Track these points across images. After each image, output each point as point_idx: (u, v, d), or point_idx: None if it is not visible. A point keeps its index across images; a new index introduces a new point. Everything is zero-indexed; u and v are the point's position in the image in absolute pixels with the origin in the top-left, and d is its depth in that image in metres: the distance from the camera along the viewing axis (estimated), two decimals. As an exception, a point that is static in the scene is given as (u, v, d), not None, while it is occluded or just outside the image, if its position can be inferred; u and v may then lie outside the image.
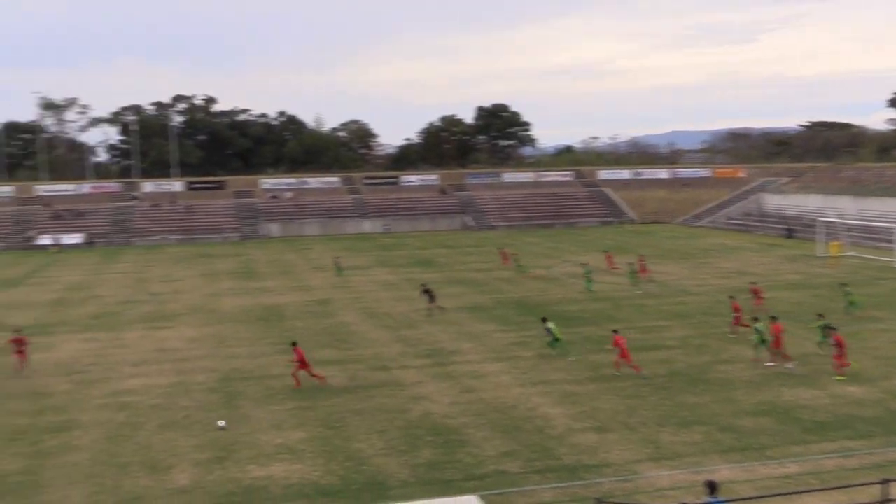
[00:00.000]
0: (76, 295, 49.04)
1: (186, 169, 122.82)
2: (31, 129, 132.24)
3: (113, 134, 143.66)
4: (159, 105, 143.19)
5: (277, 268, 60.30)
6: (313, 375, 27.12)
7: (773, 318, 29.67)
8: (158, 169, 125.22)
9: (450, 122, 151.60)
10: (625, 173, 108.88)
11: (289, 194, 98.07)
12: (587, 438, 21.76)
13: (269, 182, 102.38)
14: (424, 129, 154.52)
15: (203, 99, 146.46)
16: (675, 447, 20.95)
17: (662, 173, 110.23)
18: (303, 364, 26.94)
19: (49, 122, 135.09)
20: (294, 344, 27.97)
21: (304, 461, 20.70)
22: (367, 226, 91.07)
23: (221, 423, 23.46)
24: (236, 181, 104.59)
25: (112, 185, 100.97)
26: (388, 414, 24.30)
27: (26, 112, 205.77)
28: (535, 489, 18.60)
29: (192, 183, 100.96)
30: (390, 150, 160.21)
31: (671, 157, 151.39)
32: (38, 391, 27.85)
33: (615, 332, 29.19)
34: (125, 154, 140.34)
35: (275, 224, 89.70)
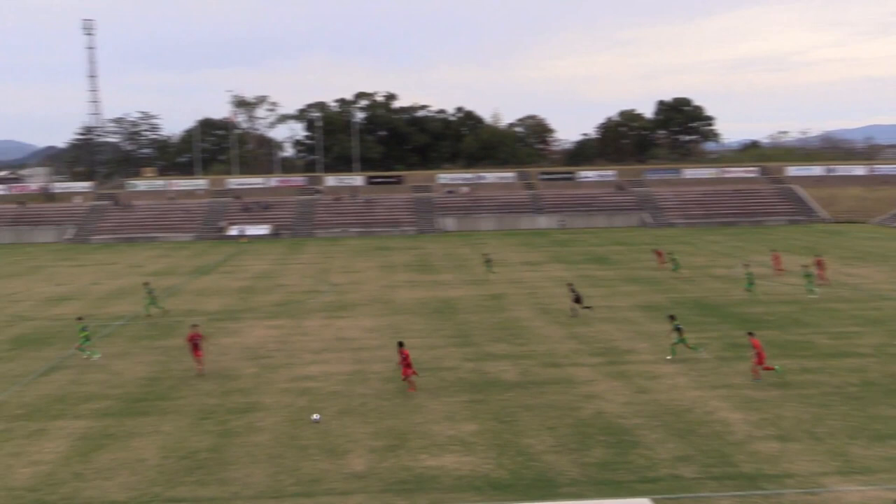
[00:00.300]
0: (262, 283, 51.44)
1: (367, 164, 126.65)
2: (224, 125, 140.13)
3: (299, 130, 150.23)
4: (342, 102, 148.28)
5: (452, 261, 61.04)
6: (406, 376, 26.32)
7: None
8: (341, 164, 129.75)
9: (628, 117, 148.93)
10: (816, 169, 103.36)
11: (465, 189, 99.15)
12: (768, 447, 20.70)
13: (445, 177, 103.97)
14: (602, 124, 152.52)
15: (384, 95, 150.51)
16: (868, 462, 19.59)
17: (858, 170, 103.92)
18: (406, 365, 26.30)
19: (241, 118, 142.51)
20: (401, 344, 27.20)
21: (475, 453, 20.77)
22: (542, 221, 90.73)
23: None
24: (414, 176, 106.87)
25: (297, 180, 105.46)
26: (559, 411, 24.04)
27: (220, 109, 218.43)
28: (710, 496, 17.88)
29: (372, 177, 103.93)
30: (566, 146, 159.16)
31: (868, 152, 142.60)
32: (227, 374, 29.34)
33: (750, 334, 27.91)
34: (310, 149, 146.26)
35: (450, 218, 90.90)
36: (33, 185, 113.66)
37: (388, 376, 28.37)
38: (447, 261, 61.72)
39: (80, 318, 34.87)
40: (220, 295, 47.40)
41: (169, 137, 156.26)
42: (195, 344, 29.53)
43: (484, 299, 43.66)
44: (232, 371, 29.68)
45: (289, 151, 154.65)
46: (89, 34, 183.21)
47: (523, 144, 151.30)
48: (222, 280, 53.82)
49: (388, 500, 18.28)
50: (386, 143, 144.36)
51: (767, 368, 26.48)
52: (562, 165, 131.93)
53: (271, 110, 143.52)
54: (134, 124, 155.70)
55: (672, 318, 30.96)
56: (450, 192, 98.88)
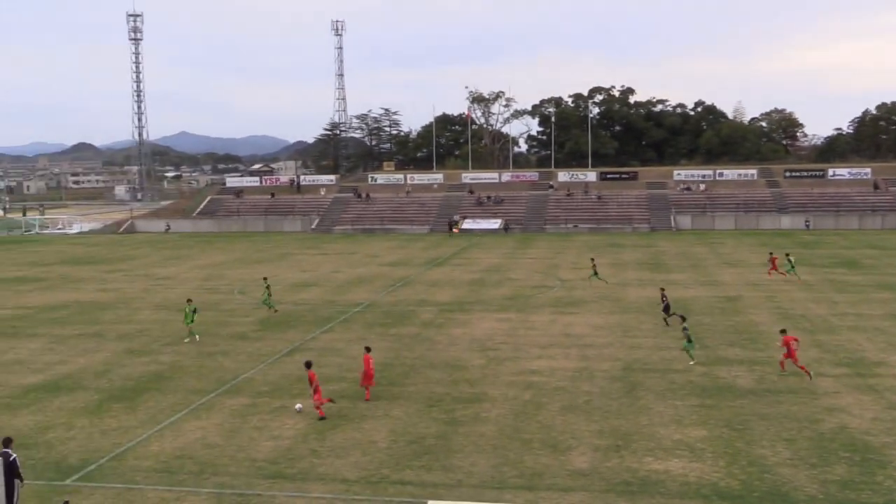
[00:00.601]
0: (492, 277, 52.12)
1: (600, 159, 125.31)
2: (461, 121, 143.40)
3: (533, 125, 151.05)
4: (577, 97, 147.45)
5: (686, 261, 59.07)
6: (365, 385, 25.44)
7: None
8: (574, 159, 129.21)
9: (888, 110, 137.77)
10: None
11: (702, 186, 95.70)
12: None
13: (682, 173, 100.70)
14: (857, 118, 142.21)
15: (620, 90, 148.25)
16: None
17: None
18: (367, 375, 25.08)
19: (477, 114, 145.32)
20: (368, 350, 26.16)
21: (703, 460, 19.90)
22: (786, 221, 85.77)
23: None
24: (648, 172, 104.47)
25: (530, 175, 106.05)
26: (798, 422, 22.54)
27: (457, 105, 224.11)
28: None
29: (604, 173, 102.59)
30: (816, 142, 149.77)
31: None
32: (455, 364, 29.93)
33: (783, 331, 28.39)
34: (543, 145, 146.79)
35: (685, 216, 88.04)
36: (283, 178, 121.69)
37: (614, 375, 27.84)
38: (680, 260, 59.80)
39: (189, 301, 36.44)
40: (452, 286, 48.51)
41: (408, 133, 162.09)
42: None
43: (719, 301, 41.87)
44: (460, 361, 30.24)
45: (522, 147, 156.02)
46: (338, 35, 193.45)
47: (767, 140, 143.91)
48: (454, 272, 55.07)
49: (611, 500, 17.88)
50: (620, 138, 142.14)
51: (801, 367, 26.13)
52: (810, 162, 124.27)
53: (506, 106, 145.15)
54: (376, 120, 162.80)
55: (683, 318, 31.10)
56: (686, 189, 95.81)
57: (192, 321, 34.88)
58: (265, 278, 44.08)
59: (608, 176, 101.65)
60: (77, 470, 20.26)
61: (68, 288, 50.58)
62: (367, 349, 26.56)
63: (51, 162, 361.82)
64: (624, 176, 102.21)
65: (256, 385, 27.59)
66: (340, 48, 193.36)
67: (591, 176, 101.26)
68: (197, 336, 34.74)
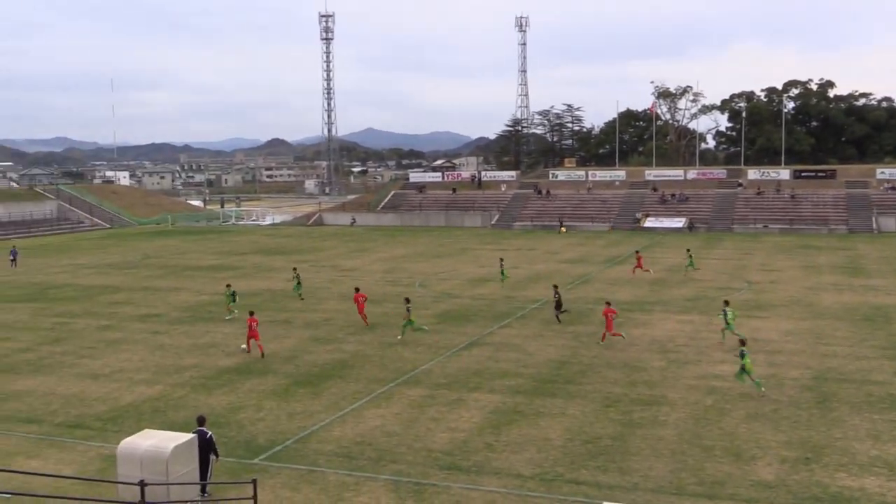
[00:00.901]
0: (675, 276, 50.65)
1: (794, 157, 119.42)
2: (645, 117, 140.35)
3: (722, 121, 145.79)
4: (770, 91, 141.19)
5: (888, 265, 55.24)
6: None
7: None
8: (765, 156, 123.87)
9: None
10: None
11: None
12: None
13: (886, 172, 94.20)
14: None
15: (818, 83, 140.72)
16: None
17: None
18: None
19: (662, 110, 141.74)
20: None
21: (904, 481, 18.50)
22: None
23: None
24: (848, 171, 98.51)
25: (717, 172, 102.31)
26: None
27: (642, 101, 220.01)
28: None
29: (798, 171, 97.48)
30: None
31: None
32: (634, 364, 29.28)
33: (608, 303, 32.55)
34: (732, 141, 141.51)
35: (889, 218, 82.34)
36: (465, 174, 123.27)
37: (805, 384, 26.37)
38: (882, 264, 55.99)
39: (228, 285, 41.06)
40: (632, 285, 47.54)
41: (590, 129, 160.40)
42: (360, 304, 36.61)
43: (924, 309, 38.91)
44: (639, 362, 29.56)
45: (709, 143, 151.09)
46: (522, 31, 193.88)
47: None
48: (637, 271, 53.94)
49: (799, 516, 16.92)
50: (817, 134, 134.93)
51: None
52: None
53: (693, 101, 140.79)
54: (558, 116, 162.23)
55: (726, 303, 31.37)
56: (891, 188, 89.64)
57: (232, 302, 39.51)
58: (294, 268, 47.27)
59: (803, 174, 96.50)
60: (265, 450, 21.24)
61: (261, 276, 53.25)
62: (608, 303, 32.87)
63: (247, 157, 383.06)
64: (820, 174, 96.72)
65: (434, 377, 28.02)
66: (524, 44, 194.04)
67: (783, 174, 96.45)
68: (236, 312, 38.78)
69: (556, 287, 38.56)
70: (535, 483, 18.83)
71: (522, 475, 19.27)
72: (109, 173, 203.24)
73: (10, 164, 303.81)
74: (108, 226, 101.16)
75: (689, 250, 53.54)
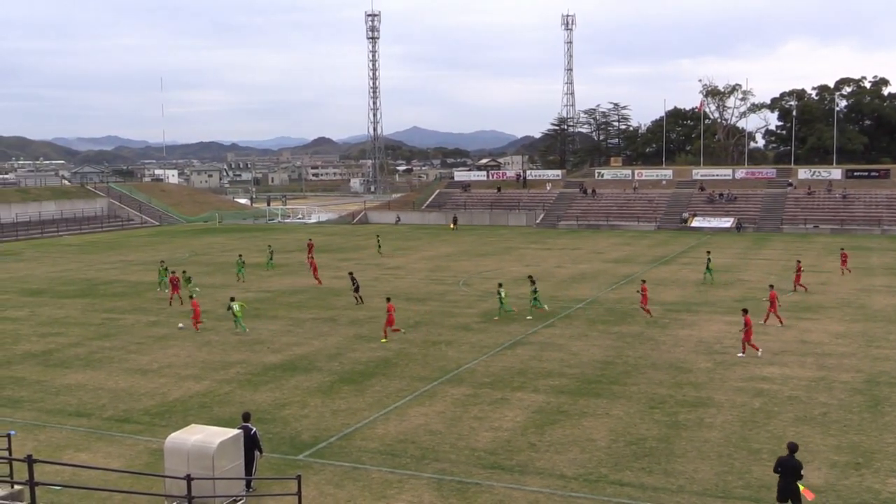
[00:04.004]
0: (722, 277, 49.97)
1: (846, 156, 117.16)
2: (693, 115, 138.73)
3: (772, 119, 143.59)
4: (822, 89, 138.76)
5: (942, 267, 53.98)
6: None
7: None
8: (816, 155, 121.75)
9: None
10: None
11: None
12: None
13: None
14: None
15: (872, 81, 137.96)
16: None
17: None
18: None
19: (710, 108, 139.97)
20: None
21: (958, 488, 18.05)
22: None
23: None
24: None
25: (766, 171, 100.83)
26: None
27: (689, 99, 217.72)
28: None
29: (851, 171, 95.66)
30: None
31: None
32: (679, 365, 28.96)
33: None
34: (782, 140, 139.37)
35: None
36: (509, 172, 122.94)
37: (856, 387, 25.89)
38: (935, 266, 54.72)
39: (240, 255, 50.43)
40: (678, 285, 47.05)
41: (637, 128, 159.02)
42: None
43: (980, 312, 37.96)
44: (685, 363, 29.24)
45: (758, 142, 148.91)
46: (568, 30, 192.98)
47: None
48: (681, 271, 53.41)
49: (849, 522, 16.59)
50: (871, 133, 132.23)
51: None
52: None
53: (742, 99, 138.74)
54: (604, 115, 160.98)
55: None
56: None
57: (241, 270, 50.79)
58: (269, 245, 59.52)
59: (855, 173, 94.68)
60: (309, 446, 21.37)
61: (306, 274, 53.60)
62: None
63: (293, 155, 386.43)
64: (874, 174, 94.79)
65: (478, 376, 27.98)
66: (570, 43, 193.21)
67: (835, 173, 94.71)
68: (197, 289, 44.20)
69: (351, 273, 44.07)
70: (578, 484, 18.71)
71: (566, 476, 19.16)
72: (158, 171, 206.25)
73: (62, 162, 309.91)
74: (156, 223, 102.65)
75: (708, 252, 52.43)
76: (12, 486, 14.96)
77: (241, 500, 17.67)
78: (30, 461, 11.05)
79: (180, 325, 36.77)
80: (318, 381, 27.57)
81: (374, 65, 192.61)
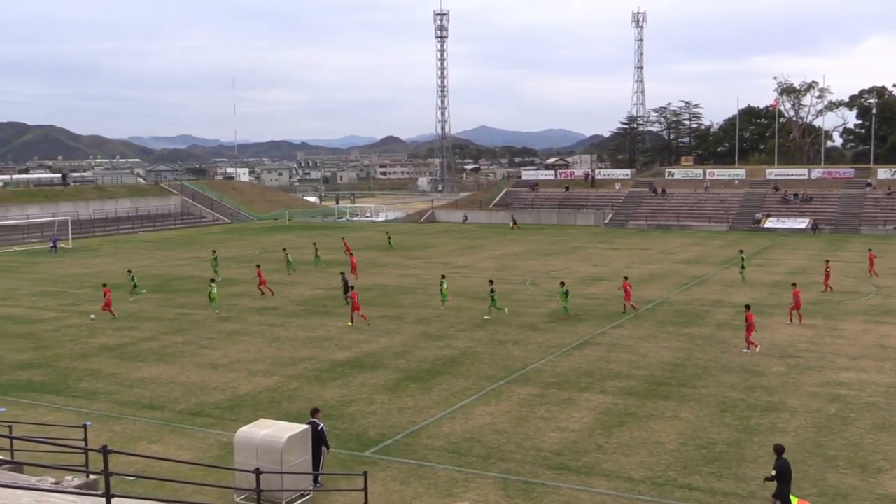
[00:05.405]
0: (796, 279, 48.71)
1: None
2: (767, 114, 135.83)
3: (850, 118, 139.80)
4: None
5: None
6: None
7: None
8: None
9: None
10: None
11: None
12: None
13: None
14: None
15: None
16: None
17: None
18: None
19: (786, 106, 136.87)
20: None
21: None
22: None
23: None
24: None
25: (844, 171, 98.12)
26: None
27: (764, 97, 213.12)
28: None
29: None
30: None
31: None
32: (752, 369, 28.37)
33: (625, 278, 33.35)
34: (861, 139, 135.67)
35: None
36: (578, 172, 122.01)
37: (937, 394, 25.01)
38: None
39: (129, 271, 47.91)
40: (751, 287, 46.11)
41: (709, 126, 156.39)
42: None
43: None
44: (757, 367, 28.63)
45: (836, 141, 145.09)
46: (639, 27, 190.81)
47: None
48: (754, 273, 52.26)
49: (929, 534, 16.04)
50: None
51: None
52: None
53: (819, 97, 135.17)
54: (675, 113, 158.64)
55: None
56: None
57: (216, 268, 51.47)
58: (284, 249, 57.90)
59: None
60: (375, 443, 21.50)
61: (373, 272, 53.99)
62: (626, 277, 38.59)
63: (361, 154, 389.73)
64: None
65: (545, 376, 27.81)
66: (640, 40, 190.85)
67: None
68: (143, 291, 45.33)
69: (342, 273, 45.23)
70: (646, 487, 18.45)
71: (633, 478, 18.91)
72: (230, 170, 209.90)
73: (137, 160, 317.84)
74: (228, 220, 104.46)
75: (741, 252, 52.12)
76: (87, 476, 15.37)
77: (308, 494, 17.85)
78: (105, 452, 11.30)
79: (92, 316, 38.92)
80: (384, 379, 27.72)
81: (442, 63, 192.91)
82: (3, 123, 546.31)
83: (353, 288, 40.03)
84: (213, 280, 43.40)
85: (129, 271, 47.80)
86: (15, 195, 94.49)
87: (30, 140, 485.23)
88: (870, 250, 51.99)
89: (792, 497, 15.88)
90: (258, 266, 49.06)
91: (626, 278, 40.96)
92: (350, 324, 36.58)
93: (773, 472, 16.11)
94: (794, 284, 37.59)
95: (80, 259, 65.09)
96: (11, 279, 53.99)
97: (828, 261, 47.69)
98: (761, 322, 36.11)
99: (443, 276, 41.65)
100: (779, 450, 16.52)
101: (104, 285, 40.85)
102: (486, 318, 37.64)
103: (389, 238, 69.80)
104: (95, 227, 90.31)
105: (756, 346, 30.88)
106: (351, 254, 56.12)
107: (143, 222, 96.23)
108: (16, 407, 25.04)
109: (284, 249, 58.12)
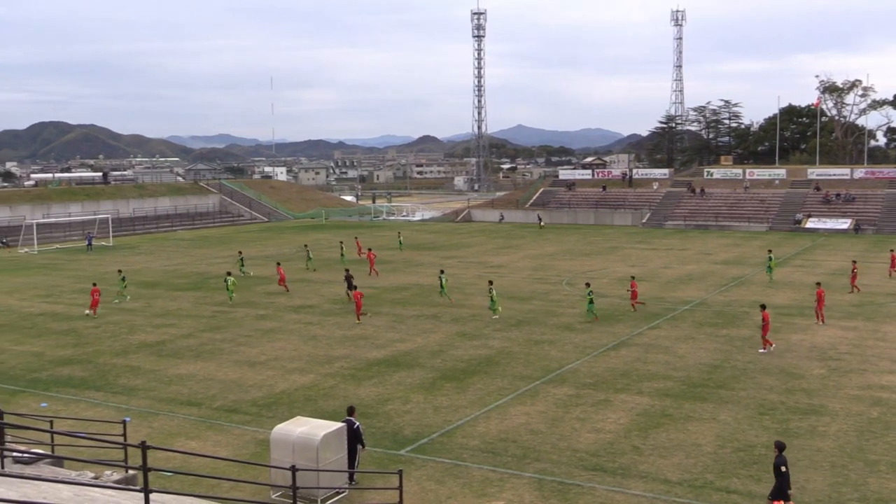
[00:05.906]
0: (838, 281, 48.11)
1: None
2: (809, 113, 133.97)
3: (894, 116, 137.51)
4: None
5: None
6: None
7: None
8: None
9: None
10: None
11: None
12: None
13: None
14: None
15: None
16: None
17: None
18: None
19: (828, 105, 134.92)
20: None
21: None
22: None
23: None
24: None
25: (888, 171, 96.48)
26: None
27: (806, 96, 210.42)
28: None
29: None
30: None
31: None
32: (791, 371, 27.99)
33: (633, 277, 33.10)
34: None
35: None
36: (615, 171, 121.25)
37: (983, 399, 24.49)
38: None
39: (119, 271, 47.38)
40: (791, 289, 45.53)
41: (749, 125, 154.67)
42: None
43: None
44: (797, 369, 28.24)
45: (879, 140, 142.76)
46: (678, 25, 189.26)
47: None
48: (794, 274, 51.67)
49: (974, 541, 15.70)
50: None
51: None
52: None
53: (863, 96, 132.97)
54: (714, 112, 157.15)
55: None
56: None
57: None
58: (306, 245, 60.56)
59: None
60: (411, 442, 21.52)
61: (410, 271, 54.07)
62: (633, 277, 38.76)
63: (398, 153, 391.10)
64: None
65: (581, 376, 27.66)
66: (679, 39, 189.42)
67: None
68: (127, 297, 44.29)
69: (347, 270, 45.21)
70: (682, 489, 18.28)
71: (670, 480, 18.74)
72: (268, 169, 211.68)
73: (176, 159, 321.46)
74: (265, 219, 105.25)
75: (770, 251, 51.70)
76: (126, 471, 15.54)
77: (343, 492, 17.91)
78: (143, 447, 11.42)
79: (87, 312, 39.93)
80: (420, 378, 27.75)
81: (479, 63, 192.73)
82: (46, 123, 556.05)
83: (356, 287, 40.74)
84: (229, 273, 44.89)
85: (120, 271, 47.71)
86: (57, 193, 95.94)
87: (72, 139, 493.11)
88: (892, 251, 51.15)
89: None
90: (278, 264, 49.81)
91: (633, 277, 41.23)
92: (358, 321, 37.07)
93: (783, 468, 16.07)
94: (818, 284, 37.77)
95: (120, 256, 65.93)
96: (53, 276, 54.85)
97: (854, 261, 47.55)
98: (802, 324, 35.69)
99: (490, 283, 40.37)
100: (780, 446, 16.51)
101: (94, 284, 41.69)
102: (495, 317, 37.61)
103: (400, 239, 69.04)
104: (136, 225, 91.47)
105: (771, 345, 30.85)
106: (369, 250, 56.14)
107: (182, 220, 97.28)
108: (57, 402, 25.43)
109: (306, 246, 60.33)
